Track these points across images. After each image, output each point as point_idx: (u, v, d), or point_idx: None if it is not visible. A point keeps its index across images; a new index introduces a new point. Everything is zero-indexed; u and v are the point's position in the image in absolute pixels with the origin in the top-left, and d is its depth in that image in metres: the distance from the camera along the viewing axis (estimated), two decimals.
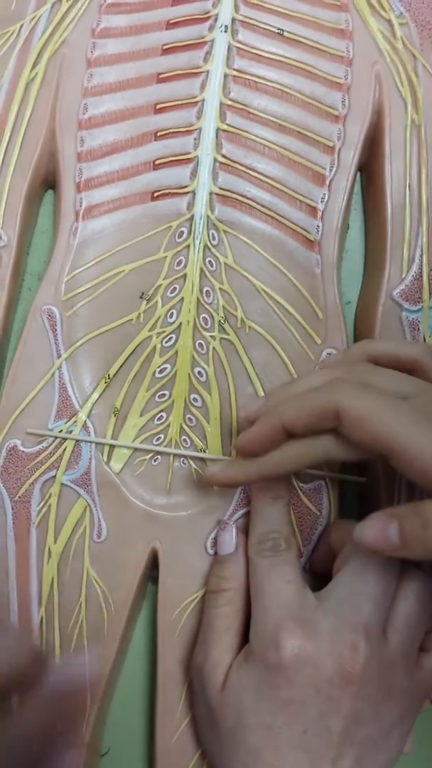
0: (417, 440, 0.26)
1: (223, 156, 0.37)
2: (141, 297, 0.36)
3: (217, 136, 0.37)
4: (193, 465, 0.36)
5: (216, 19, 0.38)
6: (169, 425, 0.36)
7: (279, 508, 0.33)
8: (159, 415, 0.36)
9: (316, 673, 0.29)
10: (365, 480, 0.35)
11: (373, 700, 0.29)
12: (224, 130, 0.37)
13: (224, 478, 0.32)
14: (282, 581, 0.31)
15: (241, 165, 0.37)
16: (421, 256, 0.37)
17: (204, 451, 0.36)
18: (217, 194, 0.36)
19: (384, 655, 0.29)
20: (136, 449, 0.36)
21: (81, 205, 0.37)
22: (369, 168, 0.38)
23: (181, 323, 0.36)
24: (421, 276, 0.36)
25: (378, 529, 0.28)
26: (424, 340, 0.36)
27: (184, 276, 0.36)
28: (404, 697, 0.30)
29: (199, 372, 0.36)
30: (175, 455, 0.36)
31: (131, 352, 0.36)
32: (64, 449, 0.36)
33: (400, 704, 0.30)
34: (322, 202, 0.37)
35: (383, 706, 0.29)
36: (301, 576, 0.31)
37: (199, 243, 0.36)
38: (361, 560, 0.30)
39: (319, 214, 0.37)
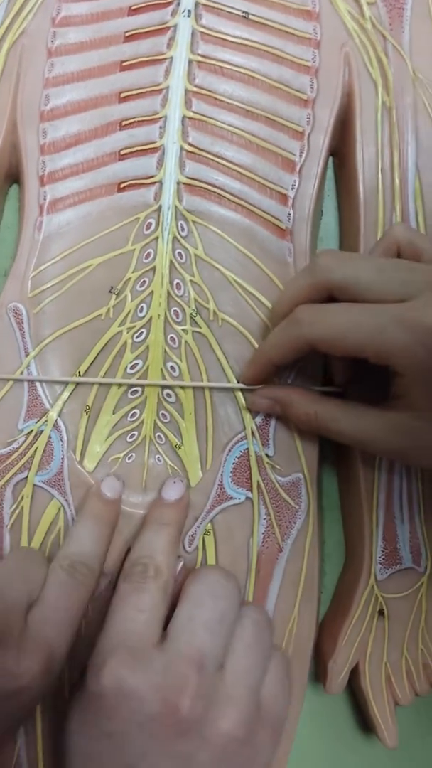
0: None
1: (190, 144, 0.36)
2: (110, 291, 0.35)
3: (183, 124, 0.36)
4: (169, 462, 0.35)
5: (179, 4, 0.37)
6: (142, 422, 0.35)
7: (162, 536, 0.32)
8: (132, 412, 0.35)
9: (140, 708, 0.26)
10: (341, 390, 0.34)
11: (210, 739, 0.27)
12: (190, 118, 0.36)
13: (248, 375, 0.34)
14: (134, 609, 0.29)
15: (209, 153, 0.36)
16: None
17: (179, 448, 0.35)
18: (184, 184, 0.36)
19: (220, 689, 0.27)
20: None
21: (45, 199, 0.36)
22: (341, 152, 0.38)
23: (151, 317, 0.35)
24: None
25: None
26: None
27: (154, 269, 0.35)
28: (251, 732, 0.27)
29: (171, 367, 0.35)
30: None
31: (101, 349, 0.35)
32: (36, 449, 0.35)
33: (245, 740, 0.27)
34: (292, 189, 0.36)
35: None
36: (159, 609, 0.29)
37: (168, 234, 0.35)
38: (197, 588, 0.30)
39: (290, 201, 0.36)
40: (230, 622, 0.29)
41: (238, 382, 0.35)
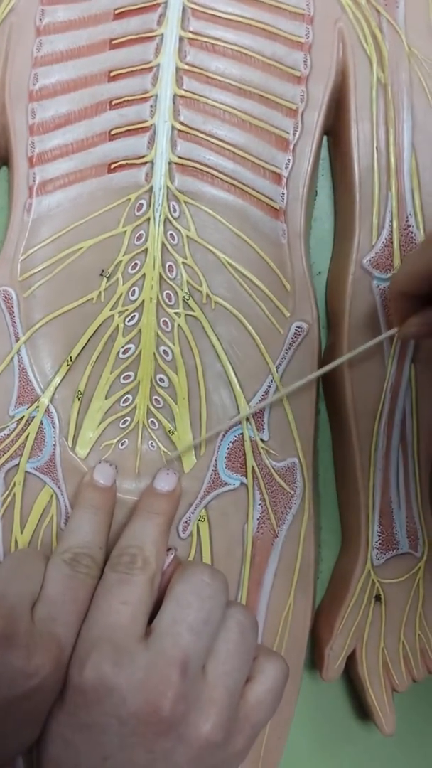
0: None
1: (181, 123, 0.35)
2: (101, 275, 0.35)
3: (174, 103, 0.35)
4: (162, 447, 0.35)
5: None
6: (135, 407, 0.35)
7: (152, 526, 0.32)
8: (125, 397, 0.35)
9: (121, 704, 0.26)
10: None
11: (188, 740, 0.27)
12: (181, 96, 0.35)
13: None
14: (118, 601, 0.29)
15: (201, 132, 0.35)
16: (392, 221, 0.35)
17: (173, 433, 0.35)
18: (176, 163, 0.35)
19: (202, 691, 0.27)
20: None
21: (34, 180, 0.35)
22: (335, 131, 0.37)
23: (143, 301, 0.35)
24: (392, 242, 0.35)
25: None
26: None
27: (145, 251, 0.35)
28: (228, 736, 0.27)
29: (164, 351, 0.35)
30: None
31: (93, 333, 0.35)
32: (27, 436, 0.34)
33: (222, 745, 0.27)
34: (286, 168, 0.35)
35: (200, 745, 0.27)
36: (145, 603, 0.29)
37: (160, 216, 0.35)
38: (184, 587, 0.29)
39: (284, 180, 0.35)
40: (215, 624, 0.28)
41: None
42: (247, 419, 0.34)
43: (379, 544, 0.35)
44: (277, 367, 0.35)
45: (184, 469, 0.34)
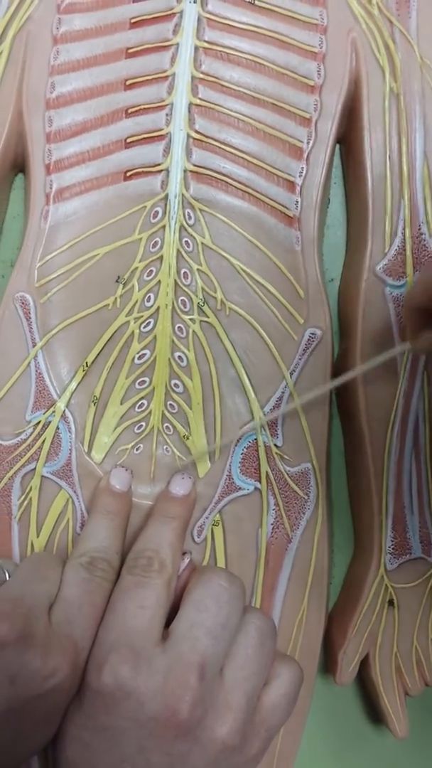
0: None
1: (197, 131, 0.35)
2: (117, 281, 0.35)
3: (189, 111, 0.35)
4: (177, 452, 0.35)
5: None
6: (150, 412, 0.35)
7: (168, 530, 0.32)
8: (140, 403, 0.35)
9: (139, 708, 0.26)
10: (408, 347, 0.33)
11: (205, 743, 0.27)
12: (197, 105, 0.35)
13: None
14: (136, 605, 0.29)
15: (215, 140, 0.35)
16: (404, 229, 0.35)
17: (187, 438, 0.35)
18: (191, 171, 0.35)
19: (219, 695, 0.27)
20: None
21: (51, 188, 0.35)
22: (348, 139, 0.37)
23: (159, 307, 0.35)
24: (404, 250, 0.35)
25: None
26: None
27: (161, 258, 0.35)
28: (244, 740, 0.28)
29: (179, 357, 0.35)
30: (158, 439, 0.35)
31: (109, 339, 0.35)
32: (44, 440, 0.35)
33: (238, 749, 0.28)
34: (300, 176, 0.35)
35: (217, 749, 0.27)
36: (163, 606, 0.29)
37: (175, 223, 0.35)
38: (202, 591, 0.29)
39: (298, 188, 0.35)
40: (233, 628, 0.29)
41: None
42: (262, 425, 0.35)
43: (392, 549, 0.35)
44: (291, 374, 0.35)
45: (199, 474, 0.35)
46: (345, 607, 0.36)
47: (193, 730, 0.27)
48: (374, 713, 0.36)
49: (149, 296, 0.35)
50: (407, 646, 0.35)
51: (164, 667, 0.27)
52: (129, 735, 0.27)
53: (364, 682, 0.36)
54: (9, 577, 0.31)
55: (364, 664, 0.35)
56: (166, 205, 0.35)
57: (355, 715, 0.37)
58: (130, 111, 0.36)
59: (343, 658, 0.35)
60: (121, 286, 0.35)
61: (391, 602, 0.35)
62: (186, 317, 0.35)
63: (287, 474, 0.35)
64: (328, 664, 0.36)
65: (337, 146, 0.38)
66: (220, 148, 0.35)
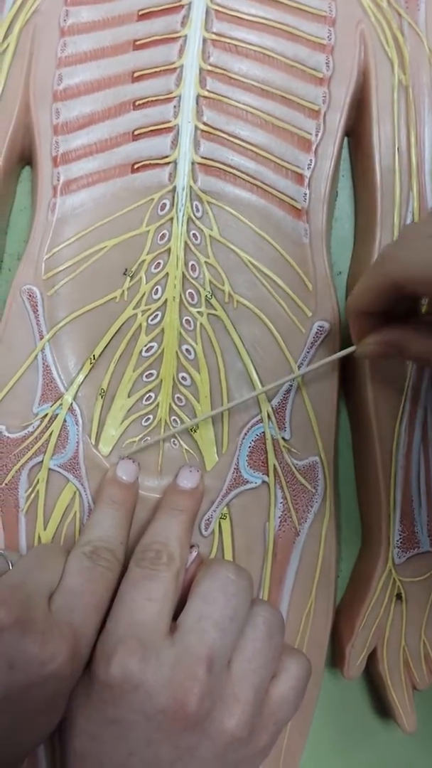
0: None
1: (205, 123, 0.35)
2: (124, 273, 0.35)
3: (197, 103, 0.35)
4: (184, 446, 0.35)
5: None
6: (158, 405, 0.35)
7: (176, 523, 0.32)
8: (147, 395, 0.35)
9: (148, 700, 0.26)
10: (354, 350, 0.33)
11: (213, 736, 0.27)
12: (205, 97, 0.35)
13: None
14: (144, 597, 0.29)
15: (224, 132, 0.35)
16: (413, 222, 0.35)
17: (195, 432, 0.35)
18: (199, 164, 0.35)
19: (227, 688, 0.27)
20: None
21: (59, 180, 0.35)
22: (356, 132, 0.37)
23: (166, 299, 0.35)
24: None
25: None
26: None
27: (168, 250, 0.35)
28: (252, 732, 0.28)
29: (187, 350, 0.35)
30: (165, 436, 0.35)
31: (116, 331, 0.35)
32: (51, 433, 0.34)
33: (246, 741, 0.28)
34: (308, 168, 0.35)
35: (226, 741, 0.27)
36: (171, 599, 0.29)
37: (183, 215, 0.35)
38: (209, 583, 0.29)
39: (306, 181, 0.35)
40: (241, 620, 0.29)
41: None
42: (269, 417, 0.35)
43: (401, 543, 0.35)
44: (299, 367, 0.35)
45: (206, 467, 0.35)
46: (353, 600, 0.36)
47: (201, 723, 0.27)
48: (382, 707, 0.36)
49: (157, 289, 0.35)
50: (415, 640, 0.35)
51: (172, 659, 0.27)
52: (137, 728, 0.27)
53: (371, 676, 0.36)
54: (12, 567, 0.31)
55: (372, 658, 0.35)
56: (173, 197, 0.35)
57: (363, 709, 0.36)
58: (137, 103, 0.36)
59: (351, 652, 0.34)
60: (128, 278, 0.35)
61: (399, 596, 0.35)
62: (194, 310, 0.35)
63: (295, 467, 0.35)
64: (335, 658, 0.36)
65: (345, 139, 0.38)
66: (228, 140, 0.35)
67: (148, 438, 0.35)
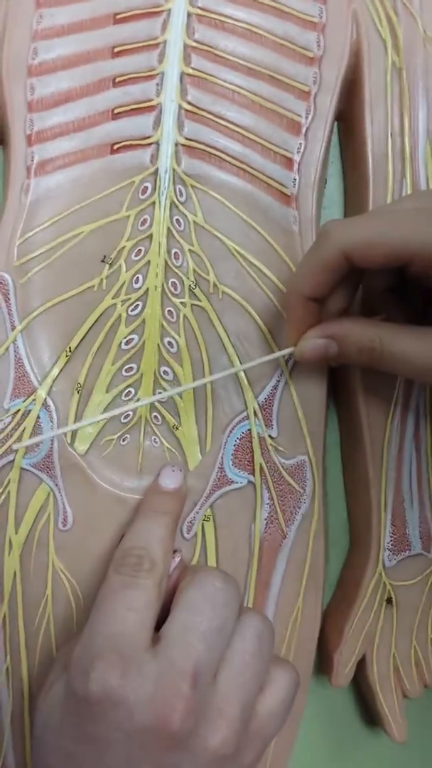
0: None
1: (189, 103, 0.33)
2: (103, 261, 0.33)
3: (181, 82, 0.33)
4: (165, 443, 0.33)
5: None
6: (137, 401, 0.33)
7: (158, 526, 0.30)
8: (127, 391, 0.33)
9: (129, 718, 0.25)
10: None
11: (197, 753, 0.25)
12: (189, 75, 0.33)
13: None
14: (124, 607, 0.27)
15: (209, 113, 0.33)
16: None
17: (177, 429, 0.33)
18: (183, 145, 0.33)
19: (212, 702, 0.26)
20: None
21: (33, 160, 0.33)
22: (347, 115, 0.35)
23: (147, 289, 0.33)
24: None
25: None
26: None
27: (150, 237, 0.33)
28: (238, 750, 0.26)
29: (169, 342, 0.33)
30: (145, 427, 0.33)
31: (94, 322, 0.33)
32: (23, 430, 0.32)
33: (232, 758, 0.26)
34: (298, 152, 0.34)
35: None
36: (153, 608, 0.27)
37: (165, 200, 0.33)
38: (195, 592, 0.27)
39: (296, 165, 0.34)
40: (229, 632, 0.27)
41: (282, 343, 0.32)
42: (255, 414, 0.33)
43: (392, 545, 0.33)
44: (287, 361, 0.33)
45: (189, 466, 0.33)
46: (341, 605, 0.34)
47: (184, 741, 0.25)
48: (371, 716, 0.35)
49: (137, 277, 0.33)
50: (406, 646, 0.34)
51: (155, 674, 0.25)
52: (117, 746, 0.25)
53: (360, 683, 0.35)
54: None
55: (361, 665, 0.34)
56: (155, 180, 0.33)
57: (352, 718, 0.35)
58: (118, 80, 0.34)
59: (339, 658, 0.33)
60: (107, 266, 0.33)
61: (389, 600, 0.34)
62: (176, 300, 0.33)
63: (282, 467, 0.33)
64: (322, 664, 0.35)
65: (335, 124, 0.36)
66: (213, 121, 0.33)
67: (128, 436, 0.33)
